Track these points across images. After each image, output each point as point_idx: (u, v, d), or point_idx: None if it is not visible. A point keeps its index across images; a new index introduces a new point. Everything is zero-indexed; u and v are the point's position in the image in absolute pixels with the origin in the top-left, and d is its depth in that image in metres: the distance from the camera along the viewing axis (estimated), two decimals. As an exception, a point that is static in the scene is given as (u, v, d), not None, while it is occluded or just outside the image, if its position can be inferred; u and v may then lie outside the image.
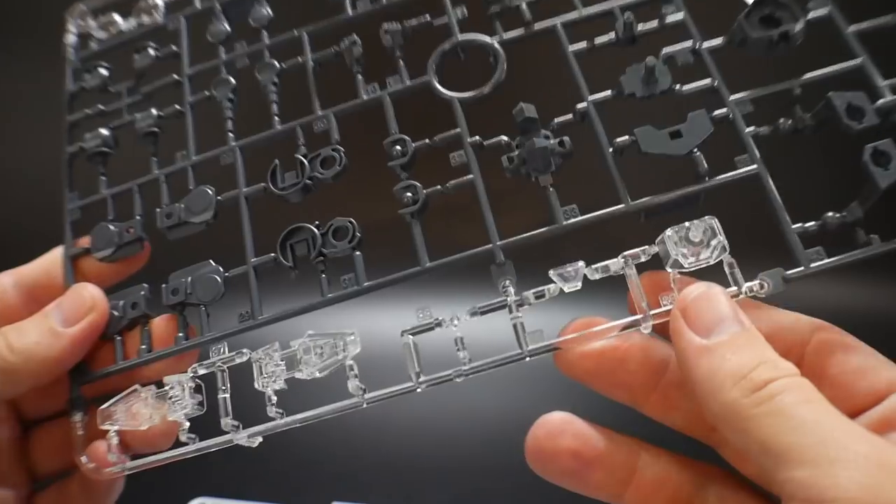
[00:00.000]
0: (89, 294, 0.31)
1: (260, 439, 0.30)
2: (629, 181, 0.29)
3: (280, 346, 0.29)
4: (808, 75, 0.30)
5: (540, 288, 0.28)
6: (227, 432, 0.29)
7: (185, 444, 0.29)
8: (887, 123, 0.28)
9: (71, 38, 0.38)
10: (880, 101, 0.28)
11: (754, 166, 0.29)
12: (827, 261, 0.27)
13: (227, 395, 0.29)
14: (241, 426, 0.29)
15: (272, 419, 0.29)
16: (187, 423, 0.29)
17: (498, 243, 0.29)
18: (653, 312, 0.27)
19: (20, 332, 0.30)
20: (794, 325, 0.27)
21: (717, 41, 0.31)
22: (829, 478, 0.19)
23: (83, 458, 0.30)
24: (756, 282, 0.27)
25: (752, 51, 0.31)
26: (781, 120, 0.30)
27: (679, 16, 0.32)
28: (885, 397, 0.25)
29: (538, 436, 0.28)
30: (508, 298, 0.28)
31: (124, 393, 0.30)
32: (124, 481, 0.32)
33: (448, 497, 0.56)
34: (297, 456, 0.55)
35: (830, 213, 0.28)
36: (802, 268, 0.27)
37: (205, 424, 0.30)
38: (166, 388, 0.30)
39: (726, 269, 0.27)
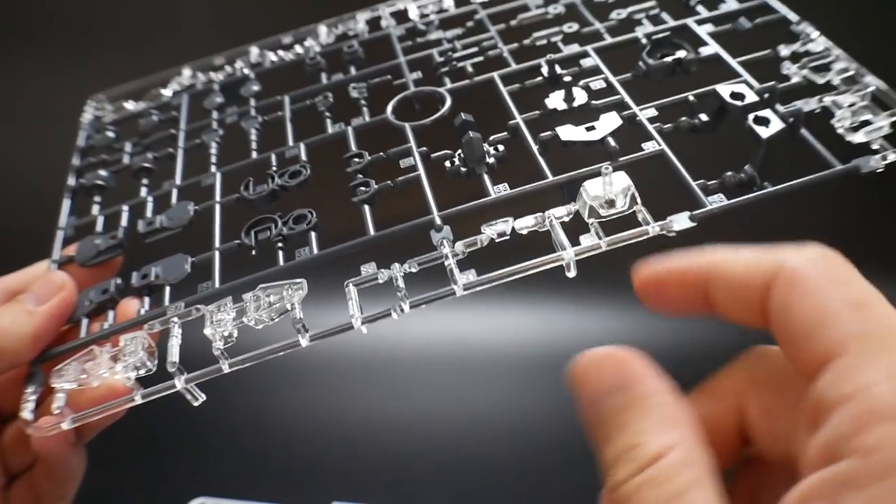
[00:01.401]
0: (59, 277, 0.34)
1: (203, 396, 0.30)
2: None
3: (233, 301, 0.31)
4: (700, 90, 0.36)
5: (472, 238, 0.31)
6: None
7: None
8: (764, 102, 0.33)
9: (87, 118, 0.45)
10: (757, 86, 0.33)
11: (660, 147, 0.33)
12: (727, 202, 0.30)
13: (178, 342, 0.30)
14: (184, 371, 0.30)
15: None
16: (135, 373, 0.30)
17: (437, 214, 0.33)
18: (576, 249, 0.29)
19: None
20: (747, 269, 0.22)
21: (626, 76, 0.37)
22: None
23: (25, 414, 0.31)
24: (665, 220, 0.30)
25: (655, 76, 0.37)
26: (682, 118, 0.35)
27: (595, 61, 0.39)
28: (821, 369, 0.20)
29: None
30: (444, 250, 0.31)
31: (80, 354, 0.31)
32: (84, 463, 0.33)
33: (448, 496, 0.54)
34: (297, 456, 0.53)
35: (729, 173, 0.32)
36: (706, 207, 0.30)
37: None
38: (121, 345, 0.31)
39: (638, 214, 0.30)
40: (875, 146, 0.31)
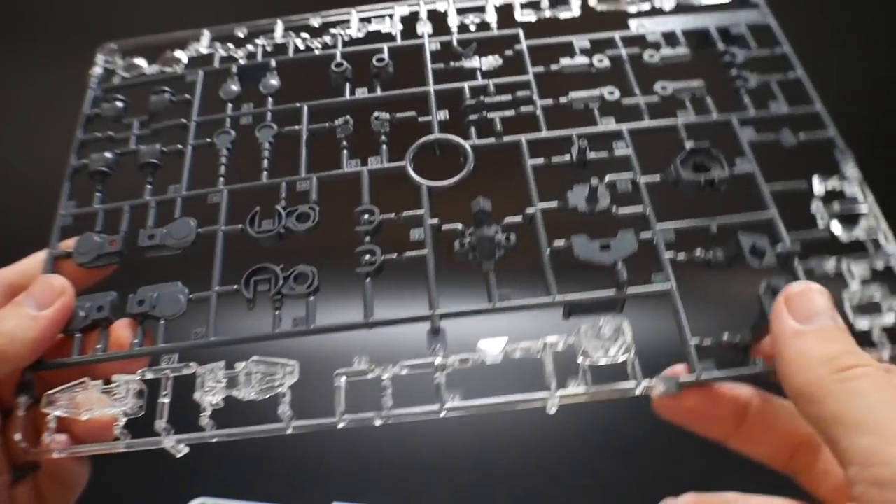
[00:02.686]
0: (58, 282, 0.34)
1: (187, 449, 0.32)
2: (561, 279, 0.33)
3: (226, 366, 0.32)
4: (726, 219, 0.35)
5: (465, 355, 0.32)
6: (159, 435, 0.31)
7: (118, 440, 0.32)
8: (783, 265, 0.33)
9: (97, 70, 0.43)
10: (780, 247, 0.33)
11: (668, 285, 0.33)
12: (717, 374, 0.31)
13: (167, 401, 0.32)
14: (172, 430, 0.31)
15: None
16: (124, 419, 0.31)
17: (436, 312, 0.33)
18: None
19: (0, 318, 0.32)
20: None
21: (655, 177, 0.36)
22: (891, 446, 0.22)
23: (17, 436, 0.32)
24: (654, 381, 0.31)
25: (684, 190, 0.36)
26: (698, 251, 0.34)
27: (627, 151, 0.37)
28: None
29: None
30: (436, 360, 0.32)
31: (73, 383, 0.32)
32: (89, 473, 0.34)
33: (448, 497, 0.57)
34: (297, 456, 0.56)
35: (726, 335, 0.32)
36: (694, 377, 0.31)
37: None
38: (113, 384, 0.32)
39: (628, 367, 0.31)
40: (874, 339, 0.32)
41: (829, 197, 0.36)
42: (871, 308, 0.33)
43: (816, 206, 0.36)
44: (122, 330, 0.34)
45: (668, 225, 0.35)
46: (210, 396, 0.31)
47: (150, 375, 0.32)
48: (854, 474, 0.23)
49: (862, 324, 0.32)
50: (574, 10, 0.44)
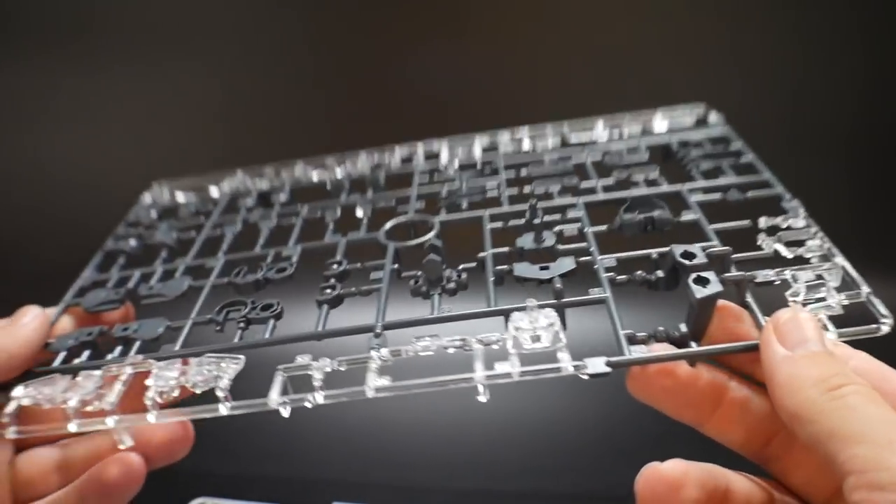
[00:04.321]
0: (36, 308, 0.38)
1: (131, 442, 0.33)
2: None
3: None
4: (663, 249, 0.36)
5: (397, 348, 0.33)
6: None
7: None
8: (713, 264, 0.33)
9: (145, 200, 0.52)
10: (710, 249, 0.34)
11: (604, 294, 0.34)
12: (645, 355, 0.30)
13: (121, 388, 0.33)
14: (118, 415, 0.33)
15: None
16: (76, 405, 0.33)
17: (379, 323, 0.35)
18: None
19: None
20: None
21: (601, 227, 0.39)
22: (886, 453, 0.22)
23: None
24: (581, 362, 0.30)
25: (627, 232, 0.38)
26: (638, 272, 0.35)
27: (579, 213, 0.40)
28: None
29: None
30: (372, 353, 0.33)
31: (43, 378, 0.35)
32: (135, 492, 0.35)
33: (448, 496, 0.53)
34: (298, 456, 0.53)
35: (661, 328, 0.32)
36: (624, 356, 0.30)
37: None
38: (79, 377, 0.34)
39: (558, 352, 0.31)
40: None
41: (774, 230, 0.37)
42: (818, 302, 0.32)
43: (761, 238, 0.36)
44: None
45: (609, 255, 0.36)
46: (160, 382, 0.33)
47: (113, 370, 0.35)
48: (853, 482, 0.23)
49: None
50: (550, 142, 0.51)
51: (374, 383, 0.31)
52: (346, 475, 0.58)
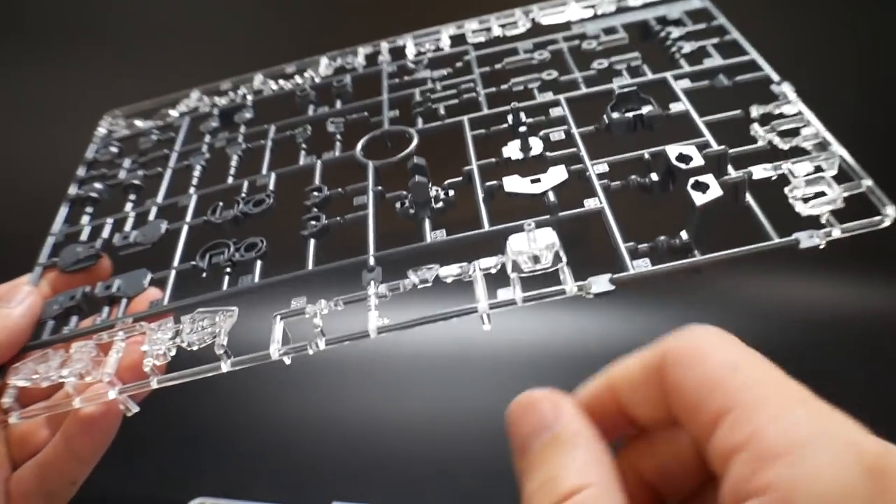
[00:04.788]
0: (25, 285, 0.37)
1: (137, 409, 0.32)
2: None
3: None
4: (655, 149, 0.35)
5: (395, 282, 0.32)
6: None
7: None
8: (710, 165, 0.32)
9: (100, 132, 0.48)
10: (707, 149, 0.33)
11: (600, 204, 0.33)
12: (650, 268, 0.30)
13: (117, 356, 0.32)
14: (116, 383, 0.32)
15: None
16: (73, 380, 0.32)
17: (372, 254, 0.34)
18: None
19: None
20: (642, 369, 0.24)
21: (589, 128, 0.37)
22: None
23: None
24: (585, 282, 0.30)
25: (616, 132, 0.37)
26: (632, 177, 0.34)
27: (562, 112, 0.39)
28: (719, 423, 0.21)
29: None
30: (369, 290, 0.32)
31: (36, 355, 0.34)
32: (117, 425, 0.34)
33: (448, 496, 0.55)
34: (297, 456, 0.55)
35: (663, 237, 0.31)
36: (629, 271, 0.30)
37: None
38: (72, 351, 0.33)
39: (560, 273, 0.30)
40: (823, 220, 0.30)
41: (767, 119, 0.36)
42: (819, 196, 0.31)
43: (755, 129, 0.35)
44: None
45: (602, 160, 0.35)
46: (156, 347, 0.32)
47: (105, 339, 0.34)
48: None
49: (806, 210, 0.31)
50: (521, 28, 0.48)
51: (376, 323, 0.31)
52: (345, 475, 0.58)
